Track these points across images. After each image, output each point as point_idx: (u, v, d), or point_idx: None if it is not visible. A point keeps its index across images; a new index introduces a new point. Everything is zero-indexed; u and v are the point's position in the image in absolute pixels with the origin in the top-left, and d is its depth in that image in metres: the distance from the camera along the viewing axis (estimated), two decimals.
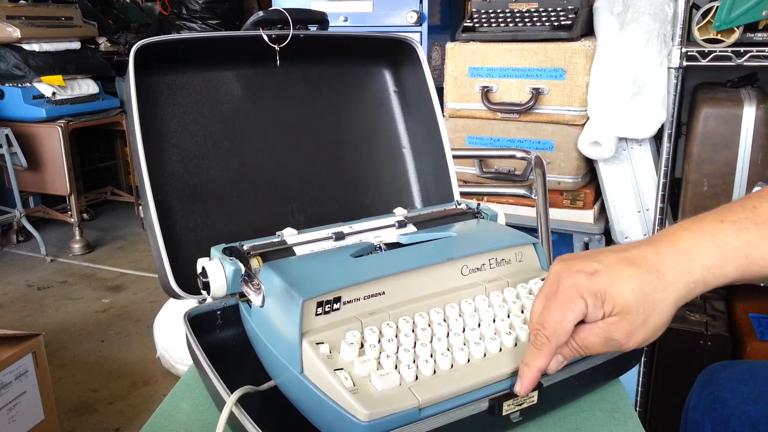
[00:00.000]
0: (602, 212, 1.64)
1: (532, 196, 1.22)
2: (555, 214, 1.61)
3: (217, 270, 0.57)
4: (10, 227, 3.14)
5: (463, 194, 0.83)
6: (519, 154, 1.36)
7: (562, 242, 1.69)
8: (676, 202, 1.52)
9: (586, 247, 1.61)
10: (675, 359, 1.41)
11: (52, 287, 2.62)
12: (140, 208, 3.36)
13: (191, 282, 0.62)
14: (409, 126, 0.87)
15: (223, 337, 0.65)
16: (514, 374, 0.52)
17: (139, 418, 1.70)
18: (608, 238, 1.62)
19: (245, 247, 0.61)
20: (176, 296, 0.63)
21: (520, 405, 0.51)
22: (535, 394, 0.51)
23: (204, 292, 0.58)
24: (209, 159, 0.72)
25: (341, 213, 0.79)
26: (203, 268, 0.58)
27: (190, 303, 0.66)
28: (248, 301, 0.61)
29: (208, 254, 0.62)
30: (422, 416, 0.47)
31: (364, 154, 0.84)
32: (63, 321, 2.30)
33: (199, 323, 0.64)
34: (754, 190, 1.32)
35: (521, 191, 1.33)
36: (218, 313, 0.65)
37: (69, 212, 3.01)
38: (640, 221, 1.55)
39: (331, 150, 0.82)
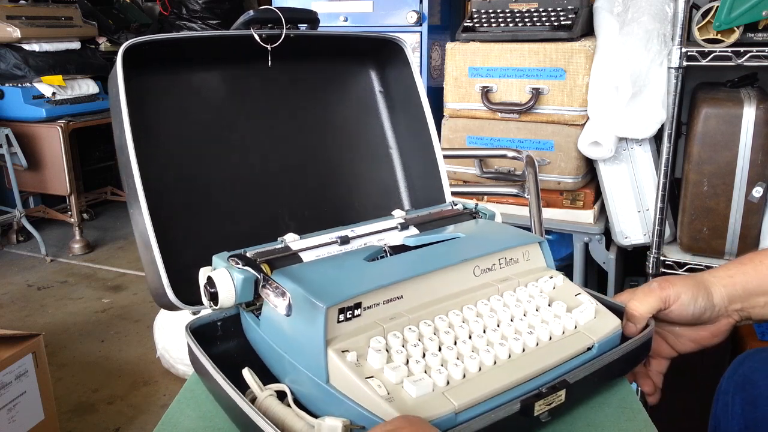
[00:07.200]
0: (602, 212, 1.64)
1: (525, 195, 1.22)
2: (555, 214, 1.61)
3: (225, 279, 0.55)
4: (10, 227, 3.14)
5: (457, 194, 0.82)
6: (510, 154, 1.36)
7: (562, 242, 1.69)
8: (676, 202, 1.52)
9: (586, 246, 1.61)
10: (674, 358, 1.41)
11: (52, 287, 2.62)
12: None
13: (183, 292, 0.59)
14: (396, 127, 0.86)
15: (224, 348, 0.64)
16: (540, 374, 0.52)
17: (139, 418, 1.70)
18: (608, 238, 1.62)
19: (248, 254, 0.58)
20: (172, 308, 0.60)
21: (550, 405, 0.51)
22: (563, 392, 0.51)
23: (211, 303, 0.56)
24: (198, 164, 0.70)
25: (333, 217, 0.78)
26: (209, 278, 0.55)
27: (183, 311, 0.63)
28: (254, 311, 0.59)
29: (198, 262, 0.59)
30: (458, 421, 0.47)
31: (353, 155, 0.83)
32: (63, 321, 2.30)
33: (199, 335, 0.62)
34: (754, 190, 1.32)
35: (514, 190, 1.34)
36: (218, 324, 0.63)
37: (69, 212, 3.00)
38: (640, 221, 1.55)
39: (320, 152, 0.80)
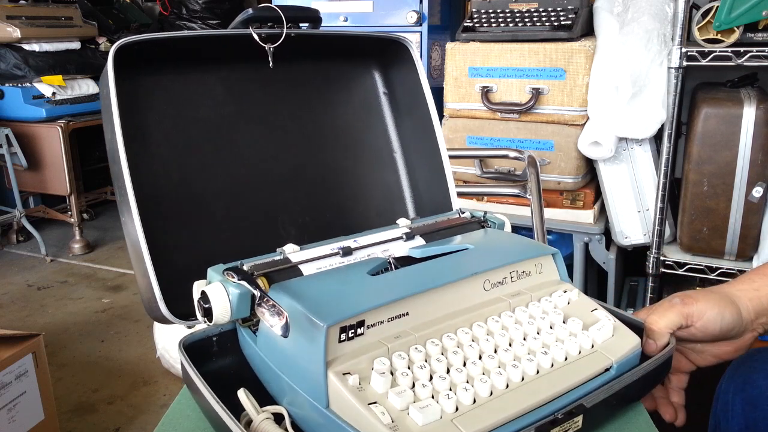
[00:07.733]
0: (602, 212, 1.64)
1: (526, 196, 1.21)
2: (555, 214, 1.61)
3: (220, 295, 0.52)
4: (10, 227, 3.14)
5: (458, 194, 0.80)
6: (512, 154, 1.36)
7: (562, 242, 1.69)
8: (676, 202, 1.52)
9: (586, 247, 1.61)
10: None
11: (52, 287, 2.62)
12: None
13: (177, 304, 0.58)
14: (401, 129, 0.83)
15: (220, 365, 0.60)
16: (555, 398, 0.49)
17: (139, 418, 1.70)
18: (608, 238, 1.62)
19: (245, 267, 0.55)
20: (164, 321, 0.58)
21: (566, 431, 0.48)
22: (580, 418, 0.48)
23: (205, 319, 0.54)
24: (194, 168, 0.67)
25: (335, 223, 0.75)
26: (203, 292, 0.53)
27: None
28: (251, 327, 0.56)
29: (194, 271, 0.57)
30: None
31: (355, 159, 0.80)
32: (63, 321, 2.30)
33: (193, 350, 0.58)
34: (754, 190, 1.32)
35: (515, 190, 1.33)
36: (214, 339, 0.60)
37: (69, 212, 3.00)
38: (640, 221, 1.55)
39: (321, 156, 0.77)
